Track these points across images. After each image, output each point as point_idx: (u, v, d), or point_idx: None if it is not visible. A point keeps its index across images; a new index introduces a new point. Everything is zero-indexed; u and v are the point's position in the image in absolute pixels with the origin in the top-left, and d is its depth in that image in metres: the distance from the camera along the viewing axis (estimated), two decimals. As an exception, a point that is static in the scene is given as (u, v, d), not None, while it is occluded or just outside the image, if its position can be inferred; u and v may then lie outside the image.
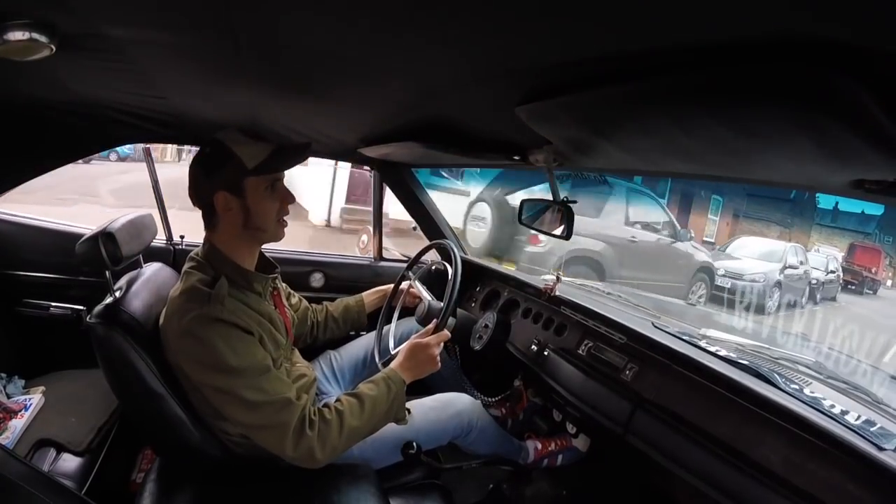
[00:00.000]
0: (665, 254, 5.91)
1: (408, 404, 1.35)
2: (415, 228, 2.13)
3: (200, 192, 1.08)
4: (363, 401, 1.09)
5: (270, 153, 1.08)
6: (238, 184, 1.05)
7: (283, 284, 1.40)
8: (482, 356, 1.59)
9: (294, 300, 1.48)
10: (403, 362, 1.20)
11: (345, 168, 7.14)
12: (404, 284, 1.64)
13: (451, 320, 1.48)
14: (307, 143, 1.15)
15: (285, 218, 1.16)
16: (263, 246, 1.20)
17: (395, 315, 1.62)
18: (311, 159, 1.44)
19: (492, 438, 1.46)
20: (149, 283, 1.23)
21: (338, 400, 1.09)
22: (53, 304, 1.76)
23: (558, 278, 1.59)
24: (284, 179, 1.14)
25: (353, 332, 1.67)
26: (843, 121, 0.46)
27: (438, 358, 1.23)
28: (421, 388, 1.51)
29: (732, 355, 1.14)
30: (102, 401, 1.47)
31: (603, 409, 1.19)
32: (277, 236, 1.15)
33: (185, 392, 1.08)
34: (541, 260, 4.85)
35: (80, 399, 1.48)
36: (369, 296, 1.65)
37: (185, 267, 1.11)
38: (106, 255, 1.17)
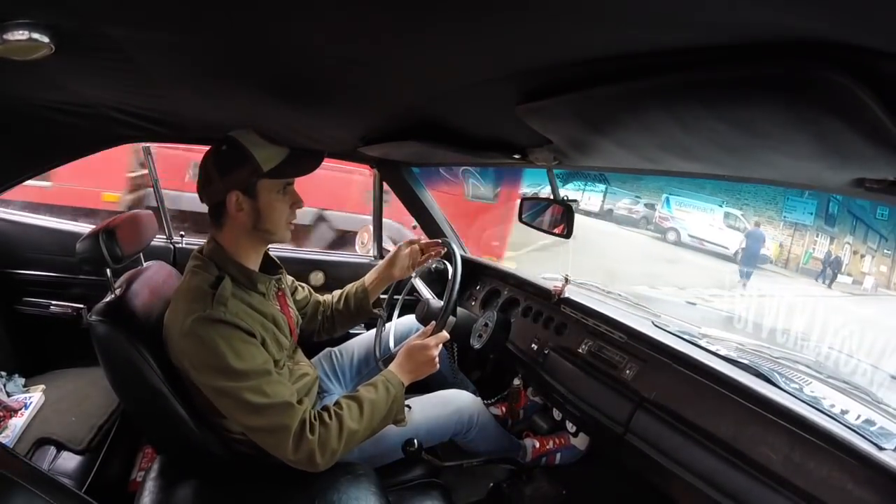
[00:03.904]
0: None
1: (408, 401, 1.35)
2: (414, 227, 2.13)
3: (212, 190, 1.08)
4: (362, 404, 1.08)
5: (286, 157, 1.08)
6: (252, 185, 1.06)
7: (290, 278, 1.39)
8: (482, 355, 1.59)
9: (301, 295, 1.46)
10: (402, 364, 1.19)
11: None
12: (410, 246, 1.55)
13: (450, 319, 1.48)
14: (321, 151, 1.15)
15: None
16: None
17: (396, 313, 1.62)
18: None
19: (492, 436, 1.46)
20: (149, 281, 1.23)
21: (337, 403, 1.09)
22: (54, 302, 1.77)
23: (567, 280, 1.58)
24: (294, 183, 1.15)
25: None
26: (844, 119, 0.46)
27: (437, 360, 1.22)
28: (421, 385, 1.51)
29: (732, 354, 1.14)
30: (103, 399, 1.47)
31: (603, 408, 1.19)
32: (285, 238, 1.16)
33: (186, 390, 1.09)
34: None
35: (80, 397, 1.48)
36: (372, 283, 1.52)
37: (190, 265, 1.11)
38: (106, 253, 1.18)
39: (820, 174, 0.71)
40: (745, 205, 11.49)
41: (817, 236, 11.55)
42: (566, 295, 1.53)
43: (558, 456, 1.60)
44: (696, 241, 11.25)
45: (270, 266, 1.23)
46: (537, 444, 1.59)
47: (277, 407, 1.00)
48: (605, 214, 12.52)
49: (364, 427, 1.07)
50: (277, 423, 1.00)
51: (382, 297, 1.60)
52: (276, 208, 1.09)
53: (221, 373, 0.98)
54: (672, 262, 9.67)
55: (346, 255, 2.24)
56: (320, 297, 1.51)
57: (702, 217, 11.48)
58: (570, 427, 1.62)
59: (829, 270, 10.48)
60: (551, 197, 1.49)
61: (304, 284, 1.49)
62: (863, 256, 11.39)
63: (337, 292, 1.53)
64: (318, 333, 1.51)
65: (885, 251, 11.09)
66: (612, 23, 0.46)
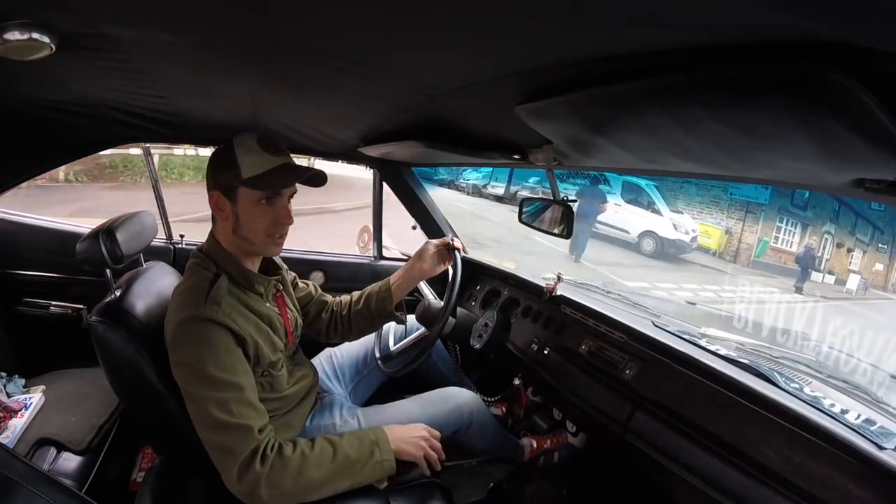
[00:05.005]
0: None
1: (407, 400, 1.35)
2: (414, 227, 2.13)
3: (207, 186, 1.09)
4: (336, 454, 1.03)
5: (269, 169, 1.05)
6: (232, 190, 1.05)
7: (292, 274, 1.37)
8: (482, 355, 1.59)
9: (303, 292, 1.40)
10: (397, 435, 1.14)
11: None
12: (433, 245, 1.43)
13: (450, 321, 1.47)
14: (309, 169, 1.09)
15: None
16: None
17: None
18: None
19: (491, 434, 1.46)
20: (149, 281, 1.23)
21: (313, 439, 1.05)
22: (54, 303, 1.77)
23: (559, 278, 1.59)
24: (292, 200, 1.11)
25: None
26: (844, 120, 0.46)
27: (421, 447, 1.14)
28: (420, 384, 1.51)
29: (732, 354, 1.14)
30: (103, 399, 1.47)
31: (603, 408, 1.20)
32: (267, 251, 1.12)
33: None
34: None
35: (80, 398, 1.48)
36: (397, 281, 1.39)
37: (189, 263, 1.11)
38: (106, 253, 1.18)
39: (820, 174, 0.71)
40: (685, 181, 8.96)
41: (781, 221, 9.14)
42: (558, 293, 1.53)
43: (556, 455, 1.60)
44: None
45: (270, 267, 1.23)
46: (535, 444, 1.59)
47: (236, 429, 0.96)
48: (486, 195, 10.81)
49: (328, 478, 1.02)
50: (228, 446, 0.96)
51: (408, 298, 1.48)
52: (252, 218, 1.06)
53: (196, 376, 0.97)
54: (478, 246, 7.08)
55: (346, 255, 2.24)
56: (328, 297, 1.46)
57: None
58: (570, 427, 1.62)
59: (799, 266, 8.25)
60: (550, 196, 1.49)
61: (308, 282, 1.45)
62: (850, 251, 9.14)
63: (355, 293, 1.46)
64: (327, 334, 1.44)
65: (881, 245, 9.00)
66: (612, 23, 0.46)
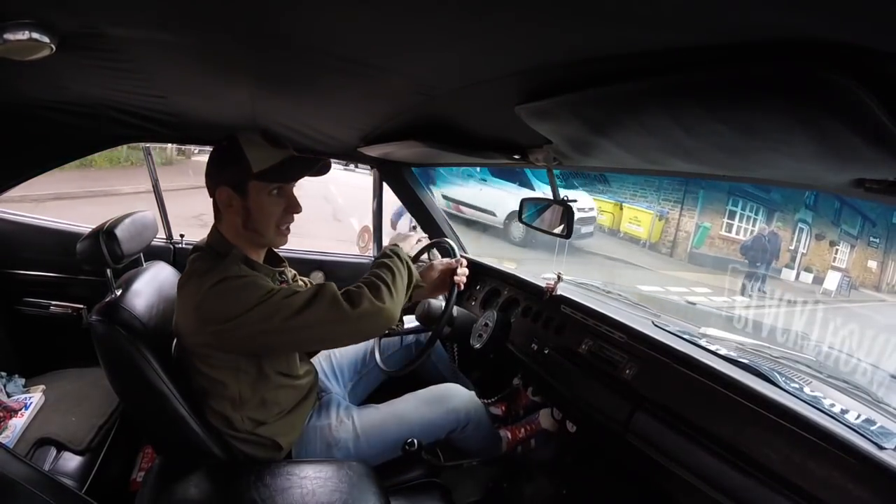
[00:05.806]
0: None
1: (402, 399, 1.36)
2: (414, 228, 2.13)
3: (210, 183, 1.09)
4: (392, 271, 1.13)
5: (280, 161, 1.07)
6: (242, 184, 1.06)
7: (292, 271, 1.37)
8: (482, 355, 1.59)
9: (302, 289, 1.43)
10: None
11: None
12: (442, 260, 1.47)
13: (446, 329, 1.47)
14: (319, 159, 1.13)
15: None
16: None
17: None
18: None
19: (486, 433, 1.46)
20: (149, 281, 1.23)
21: (365, 280, 1.12)
22: (54, 302, 1.77)
23: (559, 277, 1.59)
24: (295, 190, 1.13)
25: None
26: (844, 120, 0.46)
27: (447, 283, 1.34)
28: (419, 384, 1.51)
29: (732, 354, 1.14)
30: (103, 399, 1.47)
31: (603, 407, 1.19)
32: (276, 243, 1.15)
33: (186, 390, 1.09)
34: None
35: (80, 398, 1.48)
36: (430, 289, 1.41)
37: (191, 256, 1.11)
38: (107, 252, 1.18)
39: (820, 174, 0.71)
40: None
41: (735, 205, 7.34)
42: (558, 293, 1.53)
43: (532, 442, 1.61)
44: (452, 207, 7.26)
45: (275, 260, 1.23)
46: (510, 436, 1.60)
47: (312, 289, 1.03)
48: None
49: (396, 291, 1.10)
50: (321, 296, 1.02)
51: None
52: (264, 210, 1.08)
53: (250, 311, 0.99)
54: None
55: (346, 255, 2.24)
56: None
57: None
58: (571, 427, 1.62)
59: (746, 258, 6.38)
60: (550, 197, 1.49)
61: (306, 279, 1.46)
62: (833, 244, 7.53)
63: None
64: None
65: (873, 239, 7.45)
66: (611, 23, 0.46)
